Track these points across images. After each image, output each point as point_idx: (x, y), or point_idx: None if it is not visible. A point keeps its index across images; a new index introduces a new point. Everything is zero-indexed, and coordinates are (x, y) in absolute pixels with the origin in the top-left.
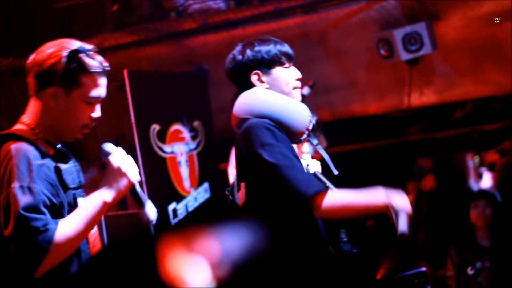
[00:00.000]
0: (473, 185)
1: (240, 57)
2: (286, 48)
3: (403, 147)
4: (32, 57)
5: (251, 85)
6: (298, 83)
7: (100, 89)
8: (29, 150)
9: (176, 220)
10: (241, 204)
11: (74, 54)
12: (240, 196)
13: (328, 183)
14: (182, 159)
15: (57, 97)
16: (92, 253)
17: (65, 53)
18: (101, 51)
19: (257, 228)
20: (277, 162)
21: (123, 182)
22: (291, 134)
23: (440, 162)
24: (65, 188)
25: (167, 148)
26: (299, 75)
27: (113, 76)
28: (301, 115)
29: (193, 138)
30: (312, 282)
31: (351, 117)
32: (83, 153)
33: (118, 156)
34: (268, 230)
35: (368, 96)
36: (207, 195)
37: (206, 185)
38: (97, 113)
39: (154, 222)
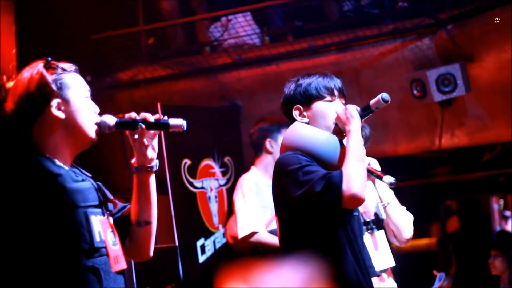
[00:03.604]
0: (497, 228)
1: (286, 91)
2: (329, 81)
3: (429, 188)
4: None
5: (294, 119)
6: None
7: (83, 81)
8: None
9: (204, 256)
10: (279, 239)
11: (49, 63)
12: (278, 231)
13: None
14: (212, 194)
15: (61, 107)
16: (115, 270)
17: (42, 67)
18: (135, 83)
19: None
20: (303, 181)
21: None
22: (324, 166)
23: (465, 204)
24: (73, 206)
25: (197, 183)
26: (339, 108)
27: (146, 109)
28: (332, 147)
29: (224, 173)
30: None
31: (381, 156)
32: (113, 186)
33: None
34: (306, 262)
35: (399, 136)
36: None
37: None
38: (95, 107)
39: (185, 127)
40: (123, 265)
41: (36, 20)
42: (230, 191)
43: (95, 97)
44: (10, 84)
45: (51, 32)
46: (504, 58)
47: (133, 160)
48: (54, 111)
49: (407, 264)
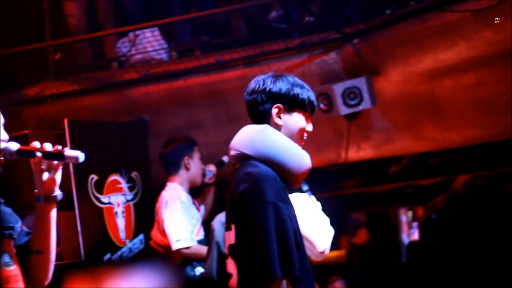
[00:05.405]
0: (406, 239)
1: (271, 85)
2: (314, 99)
3: (338, 200)
4: None
5: (266, 115)
6: (306, 136)
7: None
8: None
9: None
10: (228, 245)
11: None
12: (229, 236)
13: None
14: (119, 210)
15: None
16: None
17: None
18: (41, 99)
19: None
20: (266, 228)
21: None
22: (291, 180)
23: (374, 216)
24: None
25: (104, 198)
26: (311, 129)
27: (53, 125)
28: (303, 163)
29: (131, 189)
30: None
31: None
32: (19, 202)
33: None
34: (248, 280)
35: (306, 150)
36: (141, 246)
37: (141, 236)
38: (5, 135)
39: (83, 157)
40: (16, 285)
41: None
42: (137, 206)
43: (1, 113)
44: None
45: None
46: (409, 72)
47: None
48: None
49: (316, 277)
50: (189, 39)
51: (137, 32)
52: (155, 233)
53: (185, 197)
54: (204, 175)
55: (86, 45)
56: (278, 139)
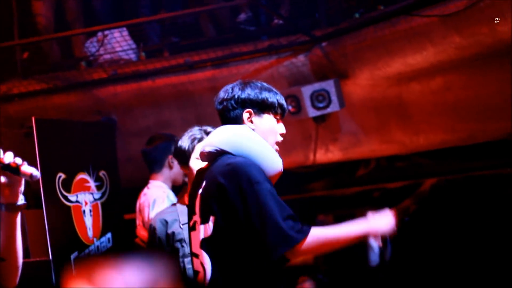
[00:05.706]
0: (373, 242)
1: (240, 92)
2: (283, 101)
3: (306, 203)
4: None
5: (238, 120)
6: (280, 138)
7: None
8: None
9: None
10: (201, 239)
11: None
12: (205, 230)
13: None
14: (87, 208)
15: None
16: None
17: None
18: (9, 97)
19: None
20: (266, 202)
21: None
22: None
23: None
24: None
25: (72, 197)
26: (284, 131)
27: (20, 123)
28: (277, 166)
29: (98, 187)
30: None
31: None
32: None
33: None
34: (223, 272)
35: None
36: (109, 245)
37: (109, 235)
38: None
39: (38, 176)
40: None
41: None
42: (105, 205)
43: None
44: None
45: None
46: (377, 75)
47: None
48: None
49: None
50: (158, 40)
51: (106, 32)
52: (140, 231)
53: (173, 196)
54: (185, 174)
55: (55, 44)
56: (256, 140)
